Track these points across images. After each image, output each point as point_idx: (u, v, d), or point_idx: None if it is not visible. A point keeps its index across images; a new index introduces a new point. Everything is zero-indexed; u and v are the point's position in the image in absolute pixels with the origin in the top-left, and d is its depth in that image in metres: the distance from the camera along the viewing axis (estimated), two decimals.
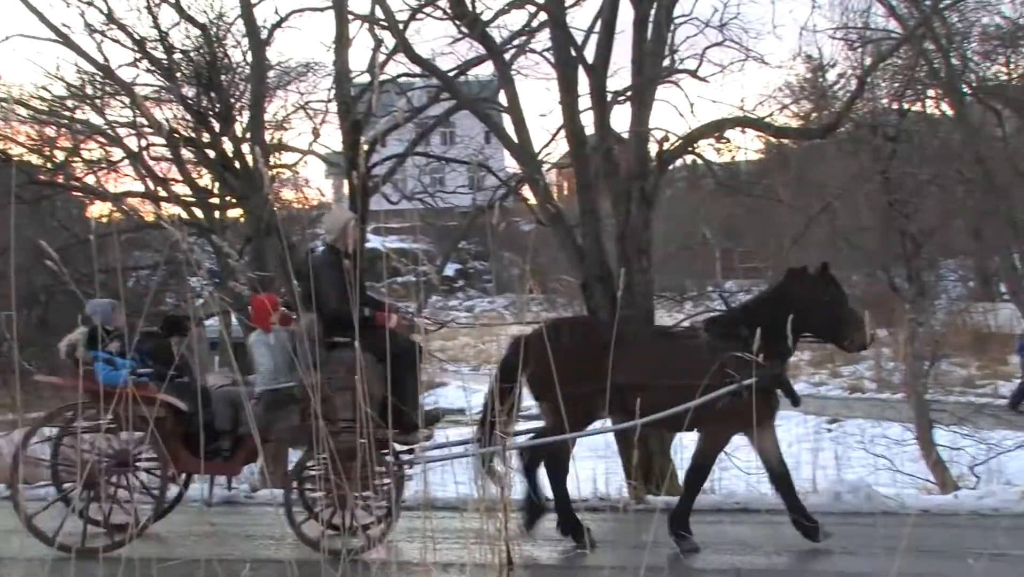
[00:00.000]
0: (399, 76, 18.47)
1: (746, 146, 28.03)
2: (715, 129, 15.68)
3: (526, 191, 17.70)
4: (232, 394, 9.27)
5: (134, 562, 5.92)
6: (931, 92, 26.11)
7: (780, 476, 9.47)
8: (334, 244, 9.32)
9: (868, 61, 18.97)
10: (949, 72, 23.44)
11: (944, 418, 17.60)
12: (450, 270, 56.51)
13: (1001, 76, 28.17)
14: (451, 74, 17.15)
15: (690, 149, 15.61)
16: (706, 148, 16.55)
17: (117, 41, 19.11)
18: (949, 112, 26.43)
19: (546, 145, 16.72)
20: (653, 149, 15.04)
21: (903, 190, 24.46)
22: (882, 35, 21.78)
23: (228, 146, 18.84)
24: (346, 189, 20.09)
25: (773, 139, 19.36)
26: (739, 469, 13.37)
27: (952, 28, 22.47)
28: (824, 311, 9.38)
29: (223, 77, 19.43)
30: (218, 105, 19.09)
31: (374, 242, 46.68)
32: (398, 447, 9.11)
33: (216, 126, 19.00)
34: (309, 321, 8.70)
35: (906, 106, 24.90)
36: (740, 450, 13.92)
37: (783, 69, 50.45)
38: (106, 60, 18.84)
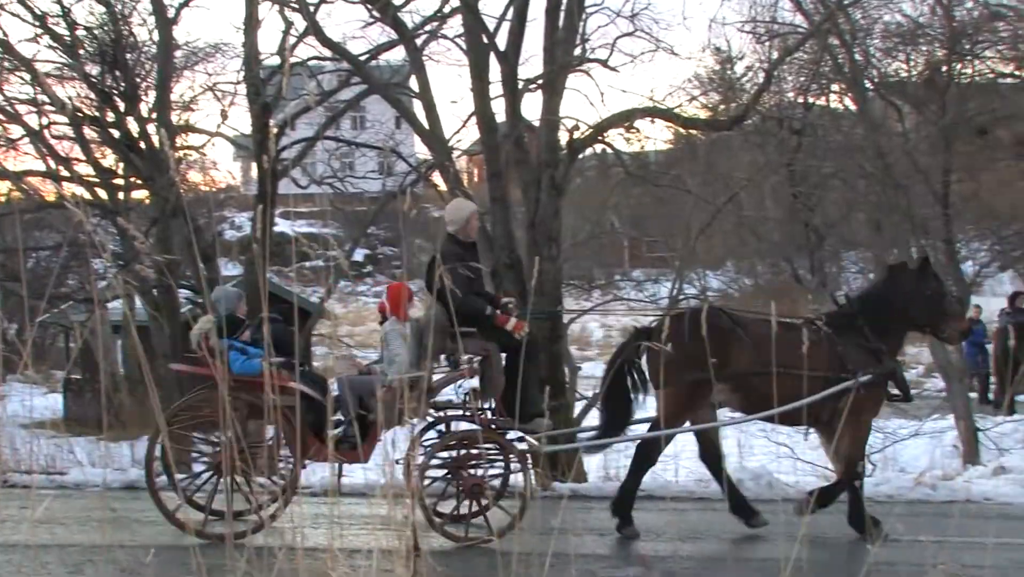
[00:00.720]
0: (309, 59, 18.32)
1: (655, 136, 28.34)
2: (625, 119, 15.80)
3: (436, 177, 17.68)
4: (358, 383, 9.30)
5: (32, 549, 5.81)
6: (835, 87, 26.53)
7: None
8: (456, 234, 9.41)
9: (775, 55, 19.29)
10: (852, 67, 23.84)
11: None
12: (359, 255, 56.14)
13: (901, 73, 28.78)
14: (362, 58, 17.06)
15: (600, 138, 15.72)
16: (616, 137, 16.69)
17: (16, 15, 18.64)
18: (852, 107, 26.93)
19: (457, 132, 16.73)
20: (563, 138, 15.12)
21: (807, 183, 24.88)
22: (789, 29, 22.10)
23: (133, 126, 18.51)
24: (254, 172, 19.89)
25: (682, 130, 19.57)
26: None
27: (856, 24, 22.87)
28: (928, 304, 9.67)
29: (128, 56, 19.06)
30: (123, 84, 18.74)
31: (282, 226, 46.23)
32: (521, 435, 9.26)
33: (121, 105, 18.65)
34: (436, 311, 8.79)
35: (811, 100, 25.31)
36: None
37: (692, 61, 51.04)
38: (4, 34, 18.39)
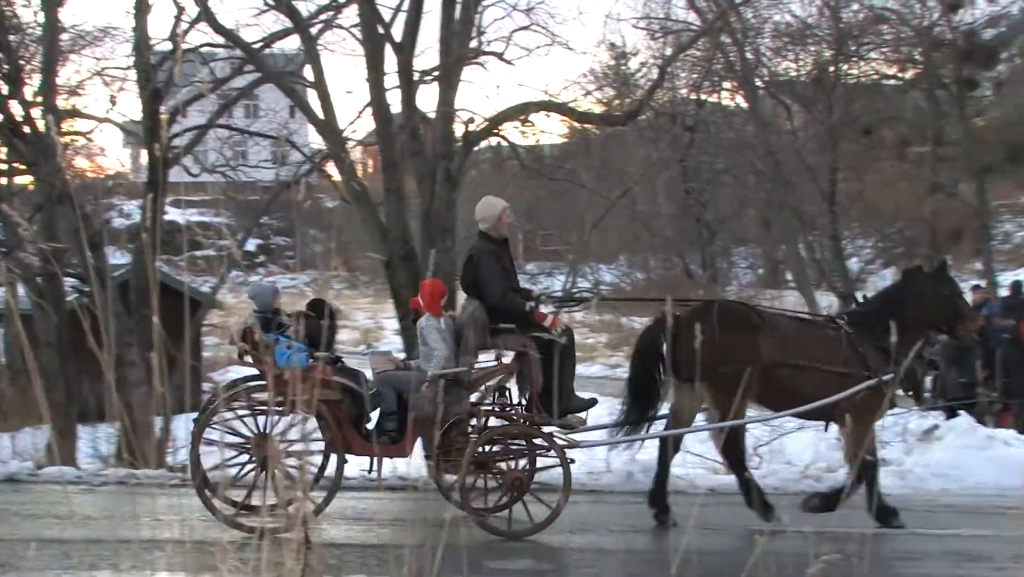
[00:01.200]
0: (202, 46, 18.02)
1: (550, 130, 28.48)
2: (520, 112, 15.85)
3: (331, 167, 17.54)
4: (395, 378, 9.26)
5: None
6: (727, 84, 26.97)
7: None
8: (488, 232, 9.40)
9: (668, 51, 19.50)
10: (744, 66, 24.25)
11: None
12: (252, 245, 55.41)
13: (791, 72, 29.36)
14: (256, 46, 16.84)
15: (495, 131, 15.75)
16: (511, 131, 16.72)
17: None
18: (743, 104, 27.40)
19: (352, 122, 16.62)
20: (459, 130, 15.11)
21: (699, 178, 25.26)
22: (682, 27, 22.40)
23: (17, 110, 18.01)
24: (144, 159, 19.50)
25: (576, 124, 19.70)
26: None
27: (747, 23, 23.26)
28: (945, 305, 10.04)
29: (11, 37, 18.54)
30: (6, 66, 18.22)
31: (173, 215, 45.45)
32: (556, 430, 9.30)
33: (3, 88, 18.13)
34: (475, 308, 8.95)
35: (704, 97, 25.69)
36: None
37: (587, 56, 51.44)
38: None
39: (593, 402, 9.46)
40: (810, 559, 4.66)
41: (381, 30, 14.86)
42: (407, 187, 15.37)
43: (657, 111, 20.38)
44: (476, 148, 16.75)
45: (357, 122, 16.76)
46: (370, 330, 41.23)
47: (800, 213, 26.02)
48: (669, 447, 9.77)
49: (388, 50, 14.89)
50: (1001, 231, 39.30)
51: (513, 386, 9.43)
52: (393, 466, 11.23)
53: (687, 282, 30.88)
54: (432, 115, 15.37)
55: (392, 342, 32.95)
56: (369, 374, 9.50)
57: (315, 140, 19.99)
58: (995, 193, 35.20)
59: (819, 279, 28.56)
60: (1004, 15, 33.05)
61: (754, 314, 9.81)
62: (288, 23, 16.32)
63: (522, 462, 9.31)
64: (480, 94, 45.03)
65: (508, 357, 9.16)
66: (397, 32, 14.89)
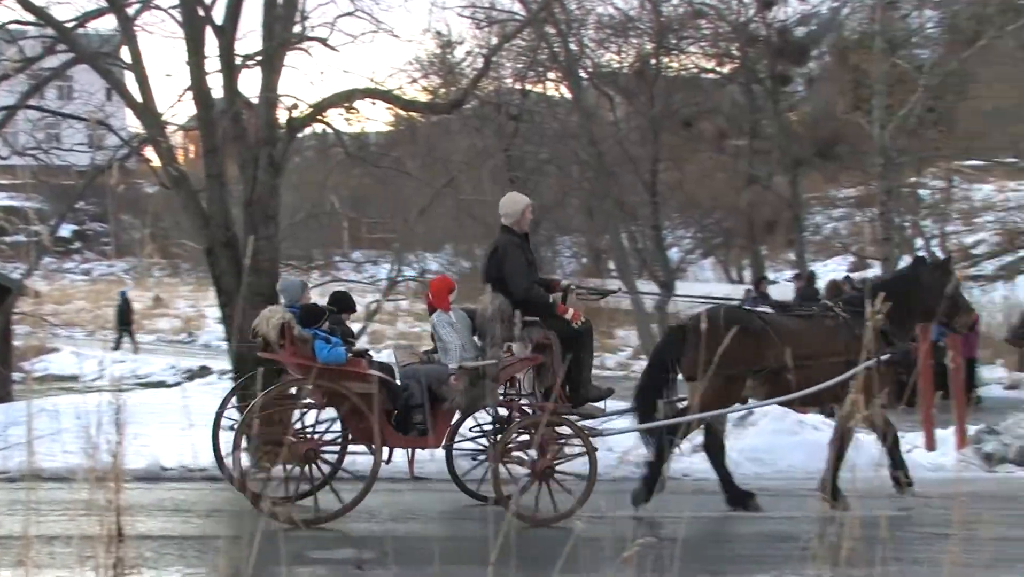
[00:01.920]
0: (9, 23, 17.31)
1: (376, 118, 28.36)
2: (345, 99, 15.70)
3: (150, 152, 17.08)
4: (421, 371, 9.46)
5: None
6: (551, 75, 27.30)
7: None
8: (512, 227, 9.69)
9: (494, 40, 19.61)
10: (568, 56, 24.60)
11: None
12: (65, 231, 53.55)
13: (613, 64, 29.90)
14: (69, 25, 16.26)
15: (319, 118, 15.56)
16: (336, 118, 16.54)
17: None
18: (567, 95, 27.76)
19: (172, 106, 16.18)
20: (283, 116, 14.90)
21: (524, 167, 25.51)
22: (507, 16, 22.58)
23: None
24: None
25: (402, 112, 19.64)
26: None
27: (571, 14, 23.59)
28: (943, 297, 10.50)
29: None
30: None
31: None
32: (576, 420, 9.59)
33: None
34: (501, 301, 9.24)
35: (528, 87, 26.00)
36: None
37: (413, 43, 51.38)
38: None
39: (610, 392, 9.91)
40: (626, 543, 4.78)
41: (201, 12, 14.52)
42: (229, 173, 15.07)
43: (482, 100, 20.48)
44: (300, 135, 16.52)
45: (177, 106, 16.33)
46: (192, 318, 40.40)
47: (622, 203, 26.54)
48: (718, 448, 10.25)
49: (209, 33, 14.57)
50: (812, 223, 40.81)
51: (524, 377, 9.85)
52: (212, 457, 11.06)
53: None
54: (255, 100, 15.11)
55: (214, 331, 32.34)
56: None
57: (133, 123, 19.41)
58: (806, 186, 36.57)
59: (640, 268, 29.20)
60: (814, 14, 34.36)
61: (757, 319, 10.26)
62: (103, 2, 15.81)
63: (552, 451, 9.49)
64: (304, 80, 44.33)
65: (517, 349, 9.42)
66: (218, 15, 14.57)
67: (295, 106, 14.91)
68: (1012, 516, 9.53)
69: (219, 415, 10.02)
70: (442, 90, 20.55)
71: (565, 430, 9.46)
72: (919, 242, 34.09)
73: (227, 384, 14.67)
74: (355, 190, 33.01)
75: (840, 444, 10.15)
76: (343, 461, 9.58)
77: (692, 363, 9.67)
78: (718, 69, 34.47)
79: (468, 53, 23.11)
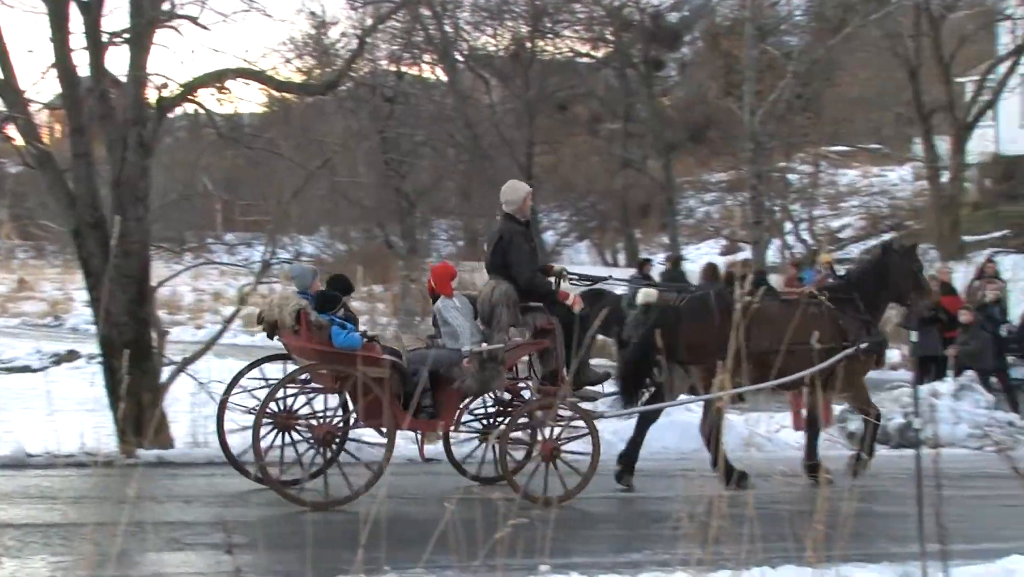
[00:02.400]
0: None
1: (249, 98, 27.94)
2: (216, 79, 15.43)
3: (12, 131, 16.59)
4: (428, 355, 9.57)
5: None
6: (427, 57, 27.28)
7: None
8: (514, 214, 9.88)
9: (368, 21, 19.47)
10: (443, 39, 24.61)
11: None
12: None
13: (489, 47, 29.99)
14: None
15: (190, 97, 15.29)
16: (208, 97, 16.27)
17: None
18: (443, 77, 27.79)
19: (35, 83, 15.73)
20: (152, 95, 14.61)
21: (399, 150, 25.43)
22: None
23: None
24: None
25: (276, 93, 19.41)
26: (234, 421, 13.38)
27: None
28: (910, 280, 11.10)
29: None
30: None
31: None
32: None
33: None
34: (506, 287, 9.44)
35: (404, 69, 25.92)
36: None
37: (287, 24, 50.69)
38: None
39: (608, 375, 10.20)
40: (499, 524, 4.84)
41: None
42: (97, 153, 14.72)
43: (357, 82, 20.38)
44: (171, 115, 16.21)
45: (41, 83, 15.87)
46: (59, 301, 39.39)
47: (498, 185, 26.62)
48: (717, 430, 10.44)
49: (74, 9, 14.19)
50: (685, 206, 41.47)
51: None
52: (81, 442, 10.85)
53: (388, 253, 31.10)
54: (123, 79, 14.78)
55: (82, 314, 31.58)
56: None
57: None
58: (679, 170, 37.16)
59: None
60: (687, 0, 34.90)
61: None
62: None
63: (556, 433, 9.63)
64: (175, 59, 43.28)
65: (513, 334, 9.54)
66: None
67: (165, 85, 14.61)
68: (872, 493, 9.85)
69: (223, 401, 9.97)
70: (316, 71, 20.36)
71: (567, 412, 9.70)
72: (788, 226, 34.92)
73: (95, 368, 14.35)
74: (228, 171, 32.49)
75: (813, 424, 10.85)
76: (344, 445, 9.68)
77: (684, 347, 9.96)
78: (593, 53, 34.79)
79: (343, 34, 22.95)
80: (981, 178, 39.25)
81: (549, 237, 31.42)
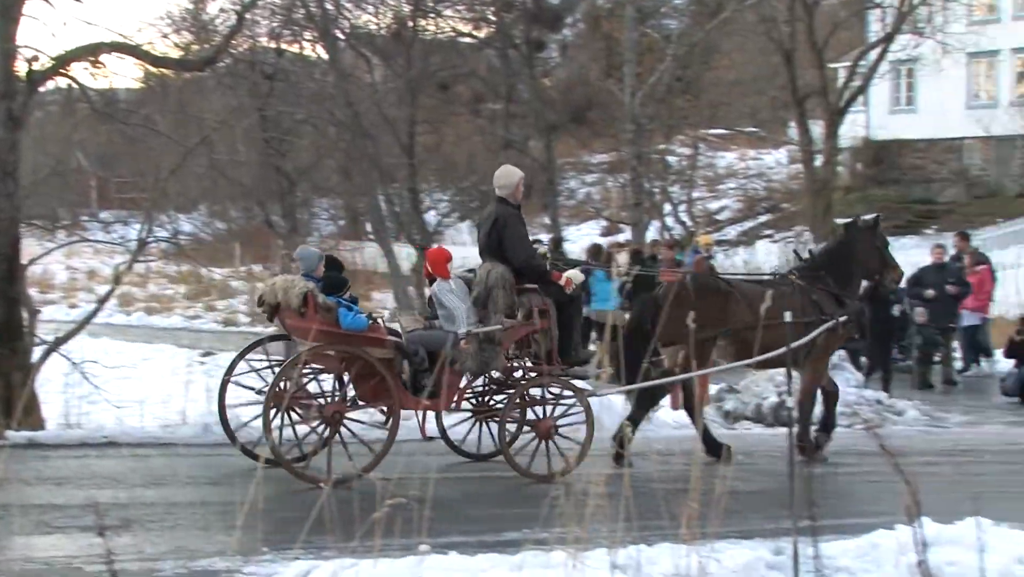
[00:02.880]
0: None
1: (125, 73, 27.38)
2: (90, 52, 15.09)
3: None
4: (426, 336, 9.80)
5: None
6: (308, 34, 26.96)
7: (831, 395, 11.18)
8: (507, 198, 10.08)
9: None
10: (323, 16, 24.36)
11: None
12: None
13: (371, 25, 29.80)
14: None
15: (63, 71, 14.92)
16: (81, 72, 15.89)
17: None
18: (324, 55, 27.52)
19: None
20: (23, 68, 14.22)
21: (279, 128, 25.16)
22: None
23: None
24: None
25: (152, 68, 19.02)
26: (108, 402, 13.19)
27: None
28: (877, 255, 11.30)
29: None
30: None
31: None
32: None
33: None
34: (503, 270, 9.63)
35: (284, 46, 25.59)
36: (112, 384, 13.75)
37: None
38: None
39: (593, 354, 10.54)
40: (377, 503, 4.87)
41: None
42: None
43: (236, 58, 20.08)
44: (42, 88, 15.80)
45: None
46: None
47: (379, 165, 26.51)
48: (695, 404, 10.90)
49: None
50: (566, 187, 41.78)
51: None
52: None
53: (268, 232, 30.75)
54: None
55: None
56: None
57: None
58: (560, 151, 37.41)
59: (397, 231, 29.28)
60: None
61: (723, 283, 10.94)
62: None
63: (552, 411, 9.90)
64: (46, 31, 42.16)
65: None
66: None
67: (36, 58, 14.24)
68: (746, 471, 10.09)
69: (225, 382, 10.00)
70: (194, 47, 20.00)
71: (558, 389, 9.95)
72: (667, 208, 35.42)
73: None
74: (103, 148, 31.89)
75: (806, 402, 10.99)
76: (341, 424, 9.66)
77: (667, 329, 9.89)
78: (475, 33, 34.82)
79: (221, 9, 22.57)
80: (853, 162, 40.35)
81: (431, 217, 31.38)
